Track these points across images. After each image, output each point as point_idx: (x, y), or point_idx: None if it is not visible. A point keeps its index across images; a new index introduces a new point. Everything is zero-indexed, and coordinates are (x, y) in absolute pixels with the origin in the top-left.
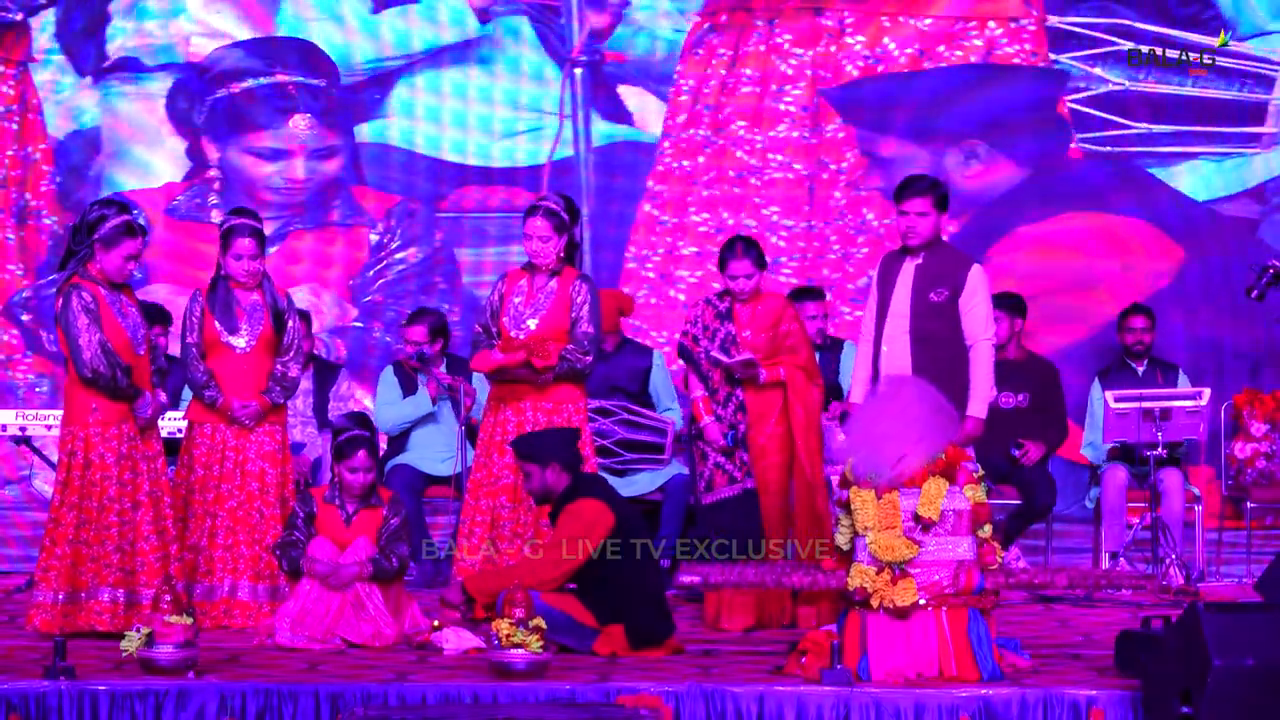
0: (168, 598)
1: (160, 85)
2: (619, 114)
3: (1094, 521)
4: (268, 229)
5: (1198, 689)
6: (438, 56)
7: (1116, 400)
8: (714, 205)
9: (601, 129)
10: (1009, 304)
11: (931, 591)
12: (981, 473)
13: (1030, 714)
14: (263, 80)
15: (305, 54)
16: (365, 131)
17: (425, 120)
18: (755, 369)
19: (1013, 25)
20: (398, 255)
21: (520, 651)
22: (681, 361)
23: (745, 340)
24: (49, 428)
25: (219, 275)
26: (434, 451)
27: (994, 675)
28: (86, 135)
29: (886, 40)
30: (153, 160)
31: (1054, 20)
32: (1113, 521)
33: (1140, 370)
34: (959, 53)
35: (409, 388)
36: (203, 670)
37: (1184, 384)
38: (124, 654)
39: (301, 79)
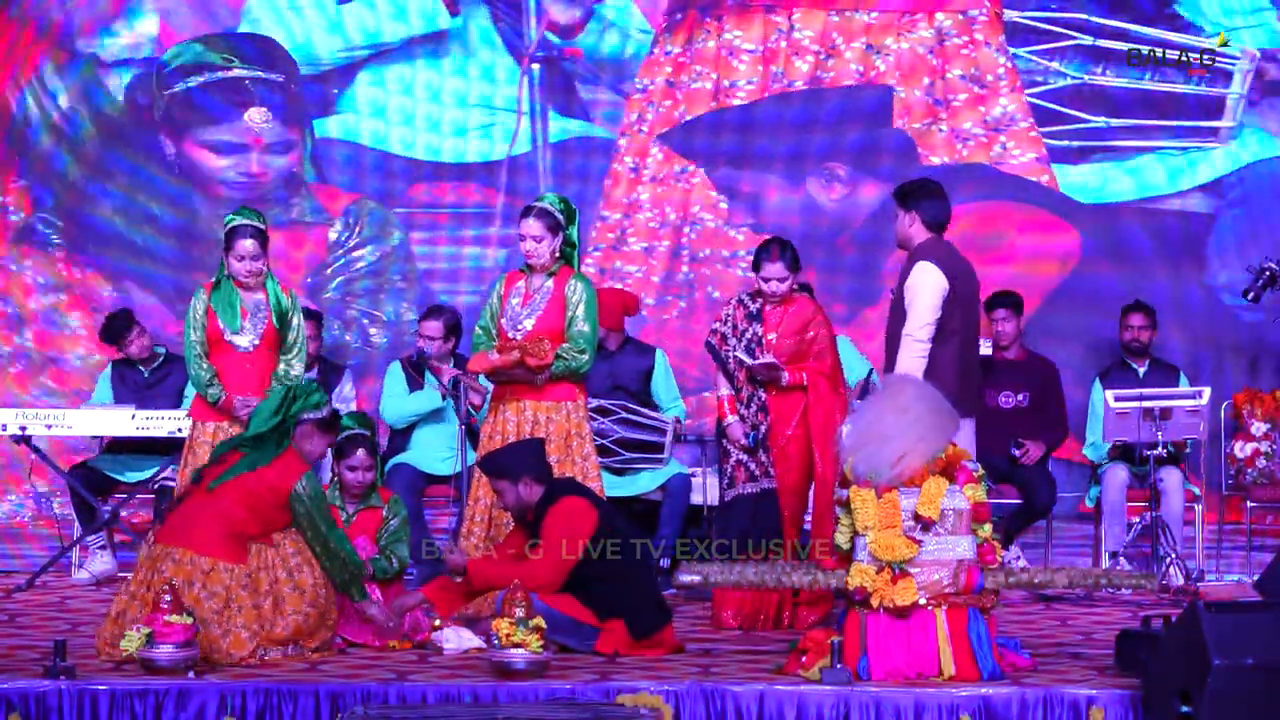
0: (168, 598)
1: (118, 81)
2: (577, 111)
3: (1094, 521)
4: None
5: (1197, 688)
6: (401, 50)
7: (1116, 400)
8: (660, 203)
9: (559, 126)
10: (1010, 303)
11: (931, 591)
12: (981, 472)
13: (1030, 713)
14: (219, 75)
15: (263, 49)
16: (323, 127)
17: (383, 117)
18: (778, 372)
19: (962, 17)
20: (356, 253)
21: (520, 651)
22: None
23: (769, 343)
24: (49, 427)
25: (222, 274)
26: (435, 451)
27: (994, 674)
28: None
29: (835, 35)
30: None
31: (1012, 15)
32: (1113, 521)
33: (1141, 371)
34: (906, 45)
35: (415, 384)
36: (202, 670)
37: (1184, 385)
38: (124, 654)
39: (259, 73)
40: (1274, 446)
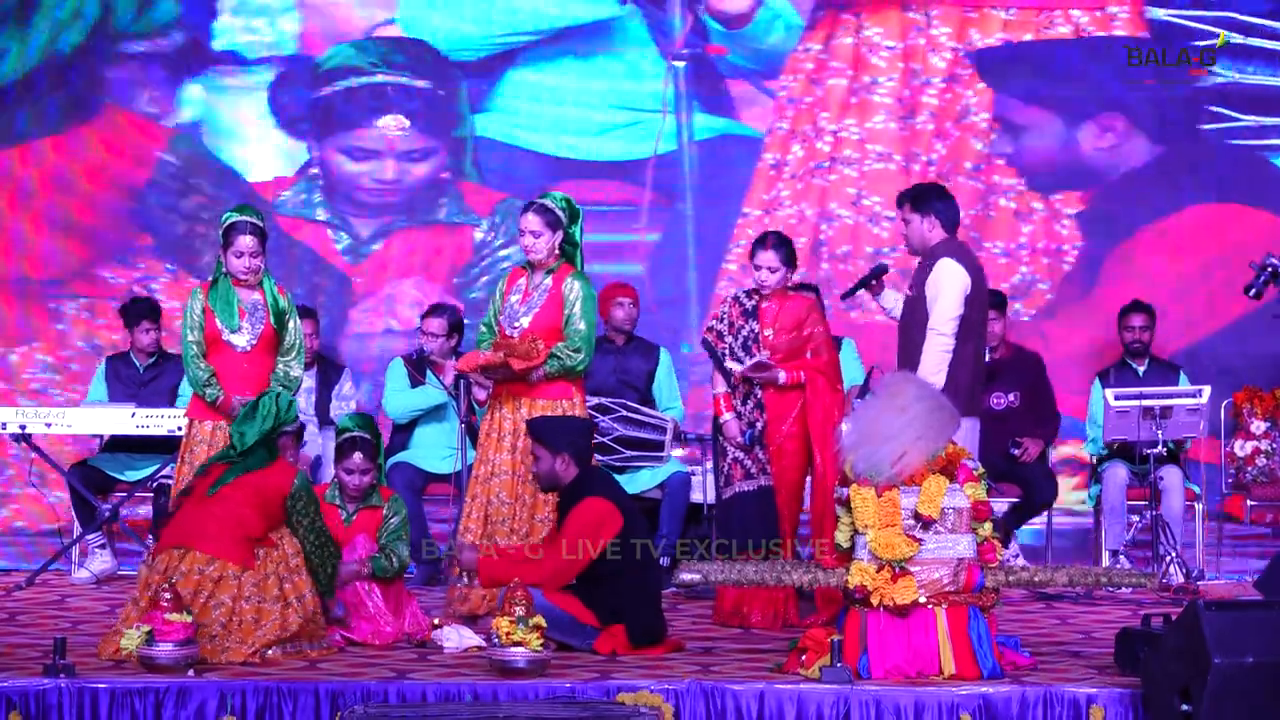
0: (168, 596)
1: (262, 79)
2: (723, 108)
3: (1094, 520)
4: (369, 227)
5: (1198, 687)
6: (547, 48)
7: (1117, 399)
8: (800, 200)
9: (705, 123)
10: (995, 302)
11: (931, 589)
12: (981, 470)
13: (1030, 712)
14: (364, 80)
15: (413, 53)
16: (471, 127)
17: (530, 116)
18: (770, 370)
19: (1099, 15)
20: (502, 252)
21: (520, 649)
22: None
23: (766, 340)
24: (49, 426)
25: (220, 272)
26: (435, 450)
27: (994, 673)
28: (186, 130)
29: (973, 31)
30: (255, 155)
31: (1158, 13)
32: (1113, 519)
33: (1141, 371)
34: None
35: (416, 382)
36: (202, 668)
37: (1184, 384)
38: (124, 652)
39: (403, 79)
40: (1274, 445)
